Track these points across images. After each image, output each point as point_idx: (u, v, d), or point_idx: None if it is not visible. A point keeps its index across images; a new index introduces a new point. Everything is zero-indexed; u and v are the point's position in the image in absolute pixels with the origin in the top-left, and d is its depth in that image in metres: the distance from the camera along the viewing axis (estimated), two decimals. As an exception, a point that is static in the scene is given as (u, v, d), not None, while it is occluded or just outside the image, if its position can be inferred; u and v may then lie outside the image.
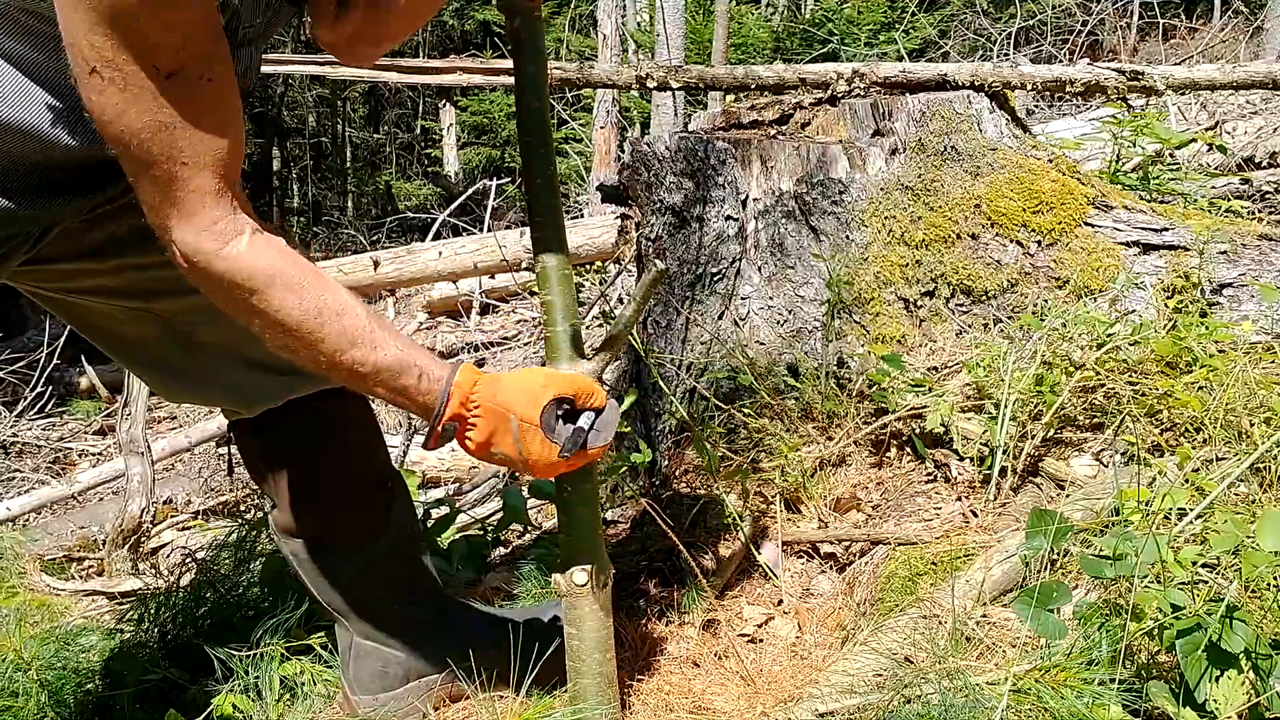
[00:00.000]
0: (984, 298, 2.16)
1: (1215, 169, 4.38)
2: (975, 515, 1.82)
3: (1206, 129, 4.98)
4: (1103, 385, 1.86)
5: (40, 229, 1.33)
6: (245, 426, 1.62)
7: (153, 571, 3.18)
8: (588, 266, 6.50)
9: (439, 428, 1.26)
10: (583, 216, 8.19)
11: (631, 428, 2.37)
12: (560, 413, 1.32)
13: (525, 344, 6.16)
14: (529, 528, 2.38)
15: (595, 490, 1.46)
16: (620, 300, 4.94)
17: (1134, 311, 2.06)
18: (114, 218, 1.40)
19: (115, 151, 1.10)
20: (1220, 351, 1.89)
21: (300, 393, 1.57)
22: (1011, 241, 2.19)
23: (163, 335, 1.52)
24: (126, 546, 3.45)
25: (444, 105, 16.85)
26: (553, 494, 2.09)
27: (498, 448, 1.29)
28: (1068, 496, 1.76)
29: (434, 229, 7.46)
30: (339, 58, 1.53)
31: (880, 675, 1.44)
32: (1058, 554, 1.54)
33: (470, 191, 8.84)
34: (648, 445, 2.26)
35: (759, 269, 2.22)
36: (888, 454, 2.03)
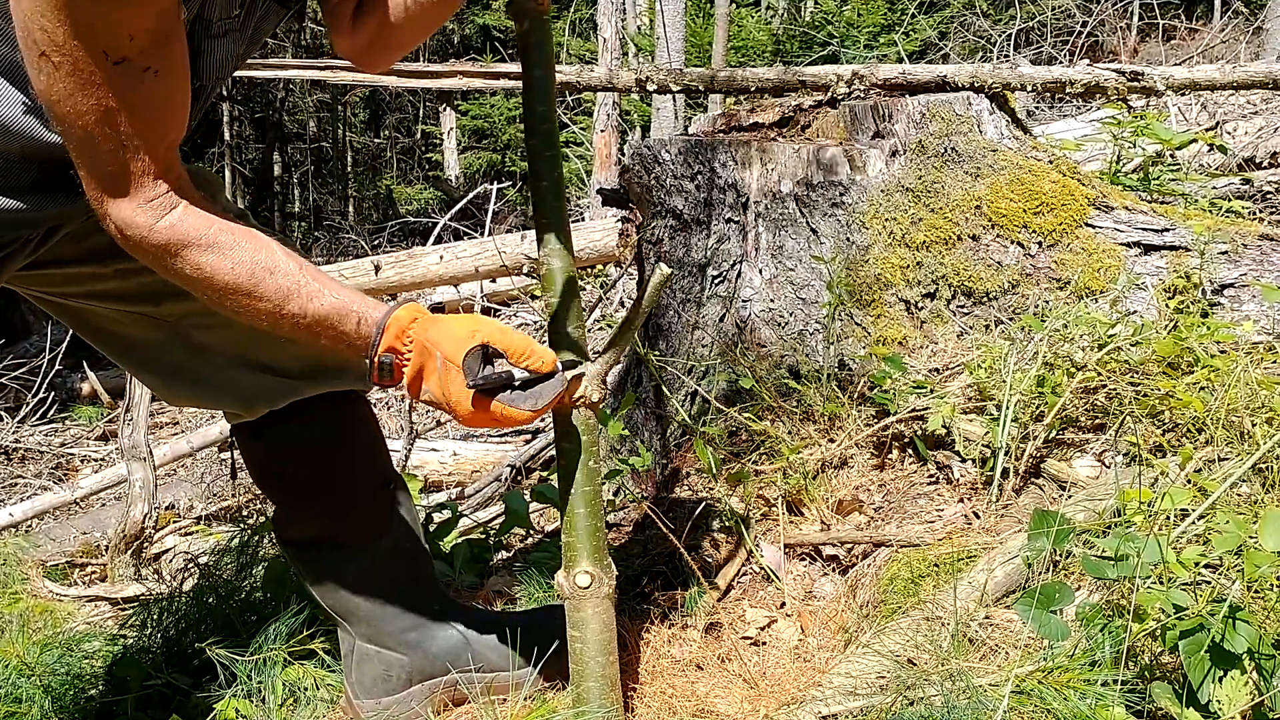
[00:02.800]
0: (985, 299, 2.16)
1: (1216, 169, 4.39)
2: (977, 517, 1.82)
3: (1207, 129, 4.98)
4: (1104, 386, 1.86)
5: (46, 229, 1.34)
6: (247, 429, 1.62)
7: (155, 577, 3.18)
8: (589, 269, 6.51)
9: (375, 358, 1.28)
10: (583, 219, 8.20)
11: (633, 431, 2.37)
12: (486, 359, 1.29)
13: (527, 347, 6.15)
14: (531, 531, 2.38)
15: (598, 493, 1.46)
16: (622, 303, 4.94)
17: (1135, 312, 2.06)
18: None
19: (59, 131, 1.14)
20: (1222, 352, 1.89)
21: (302, 395, 1.57)
22: (1012, 243, 2.19)
23: (165, 338, 1.53)
24: (129, 552, 3.46)
25: (444, 109, 16.89)
26: (555, 498, 2.10)
27: (425, 385, 1.29)
28: (1070, 497, 1.76)
29: (435, 233, 7.46)
30: (357, 64, 1.55)
31: (883, 677, 1.44)
32: (1060, 555, 1.53)
33: (471, 195, 8.86)
34: (649, 448, 2.26)
35: (760, 271, 2.22)
36: (890, 456, 2.03)
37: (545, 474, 3.23)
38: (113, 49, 1.07)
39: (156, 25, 1.10)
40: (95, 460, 5.57)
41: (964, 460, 1.90)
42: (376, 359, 1.28)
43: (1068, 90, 3.20)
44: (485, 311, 6.92)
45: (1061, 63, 9.18)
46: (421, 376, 1.29)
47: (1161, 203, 2.78)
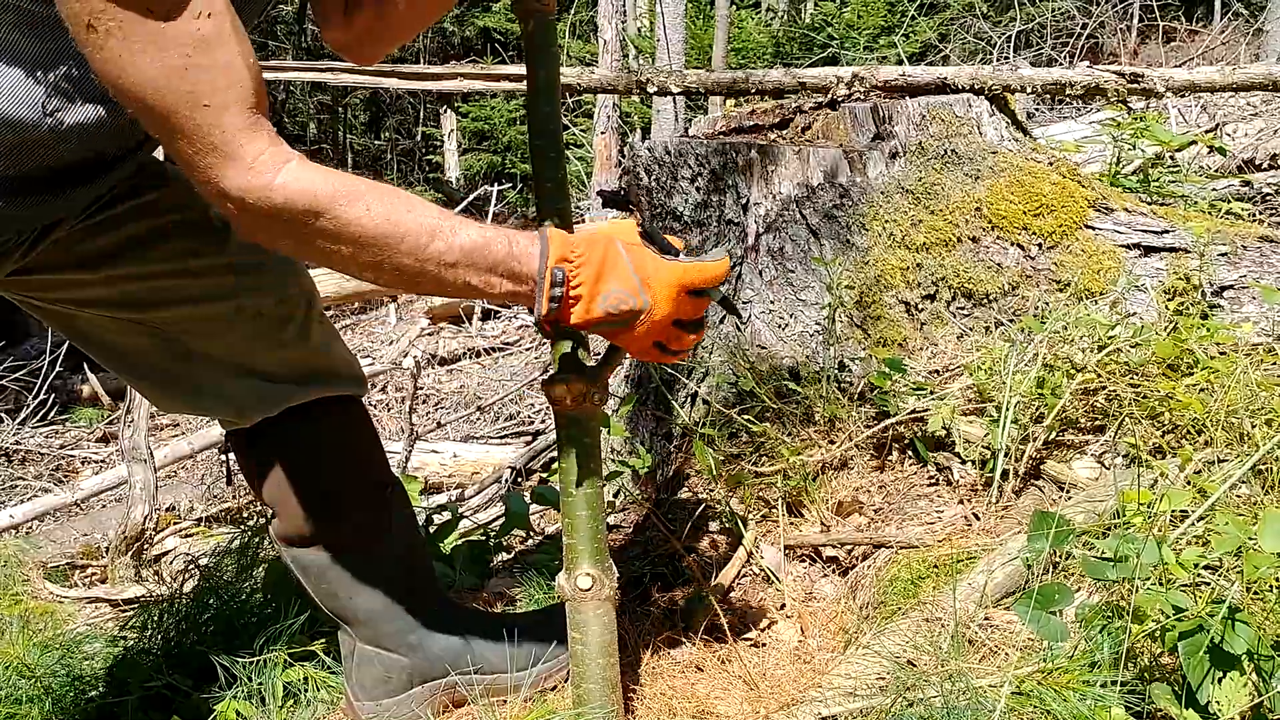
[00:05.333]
0: (985, 301, 2.16)
1: (1215, 171, 4.39)
2: (977, 518, 1.83)
3: (1207, 131, 4.99)
4: (1104, 387, 1.86)
5: (32, 232, 1.32)
6: (242, 436, 1.62)
7: (156, 578, 3.18)
8: (589, 271, 6.50)
9: (548, 271, 1.16)
10: (584, 221, 8.20)
11: (633, 432, 2.37)
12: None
13: (527, 349, 6.16)
14: (531, 533, 2.38)
15: (600, 495, 1.46)
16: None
17: (1135, 314, 2.07)
18: (106, 229, 1.40)
19: (136, 113, 1.06)
20: (1221, 353, 1.89)
21: (296, 401, 1.57)
22: (1012, 244, 2.19)
23: (155, 345, 1.51)
24: (129, 553, 3.46)
25: (444, 111, 16.87)
26: (556, 500, 2.10)
27: (608, 283, 1.19)
28: (1069, 499, 1.76)
29: (435, 235, 7.45)
30: (347, 56, 1.53)
31: (883, 678, 1.44)
32: (1060, 556, 1.54)
33: (472, 197, 8.87)
34: (649, 450, 2.26)
35: (760, 273, 2.22)
36: (890, 457, 2.04)
37: (546, 475, 3.23)
38: (156, 2, 0.99)
39: None
40: (95, 462, 5.57)
41: (964, 462, 1.90)
42: (549, 272, 1.15)
43: (1068, 92, 3.20)
44: (486, 314, 6.92)
45: (1061, 65, 9.19)
46: (601, 275, 1.19)
47: (1161, 204, 2.78)
